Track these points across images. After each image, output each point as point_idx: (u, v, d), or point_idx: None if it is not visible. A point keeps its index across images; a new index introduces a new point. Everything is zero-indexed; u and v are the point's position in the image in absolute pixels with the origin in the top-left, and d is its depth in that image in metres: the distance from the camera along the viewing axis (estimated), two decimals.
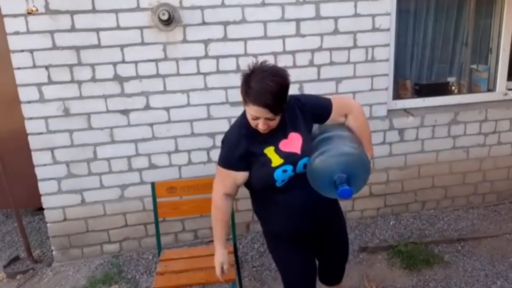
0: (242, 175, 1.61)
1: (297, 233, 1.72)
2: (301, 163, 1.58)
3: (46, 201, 2.77)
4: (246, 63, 2.74)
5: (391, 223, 3.17)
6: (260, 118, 1.50)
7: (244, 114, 1.63)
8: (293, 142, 1.59)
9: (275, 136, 1.59)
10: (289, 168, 1.57)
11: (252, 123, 1.54)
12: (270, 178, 1.56)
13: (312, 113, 1.65)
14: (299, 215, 1.66)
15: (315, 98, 1.73)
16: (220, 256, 1.70)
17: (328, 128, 1.69)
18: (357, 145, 1.59)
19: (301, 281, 1.77)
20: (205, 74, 2.75)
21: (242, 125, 1.63)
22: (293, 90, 2.91)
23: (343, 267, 1.99)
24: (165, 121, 2.78)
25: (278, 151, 1.58)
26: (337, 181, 1.47)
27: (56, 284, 2.69)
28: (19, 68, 2.54)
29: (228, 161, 1.62)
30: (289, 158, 1.57)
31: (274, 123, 1.54)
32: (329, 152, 1.52)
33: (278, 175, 1.56)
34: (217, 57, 2.73)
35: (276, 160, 1.56)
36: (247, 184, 1.67)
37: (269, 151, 1.58)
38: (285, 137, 1.60)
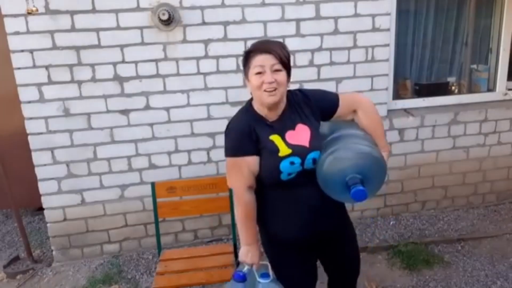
0: (255, 160, 1.49)
1: (301, 238, 1.58)
2: (309, 157, 1.48)
3: (46, 201, 2.77)
4: None
5: (391, 223, 3.17)
6: (266, 70, 1.43)
7: (246, 104, 1.58)
8: (300, 135, 1.51)
9: (282, 124, 1.52)
10: (297, 161, 1.46)
11: (258, 81, 1.44)
12: (276, 168, 1.46)
13: (318, 106, 1.58)
14: (305, 217, 1.54)
15: (321, 91, 1.66)
16: (253, 253, 1.56)
17: (339, 126, 1.61)
18: (371, 144, 1.50)
19: None
20: (205, 74, 2.75)
21: (247, 111, 1.56)
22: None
23: (355, 281, 1.81)
24: (165, 121, 2.78)
25: (284, 140, 1.49)
26: (350, 182, 1.38)
27: (56, 284, 2.69)
28: (19, 68, 2.54)
29: (238, 147, 1.49)
30: (297, 150, 1.47)
31: (281, 79, 1.45)
32: (341, 151, 1.43)
33: (285, 167, 1.46)
34: (217, 57, 2.73)
35: (284, 150, 1.47)
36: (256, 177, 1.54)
37: (276, 139, 1.49)
38: (293, 128, 1.52)
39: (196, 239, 3.05)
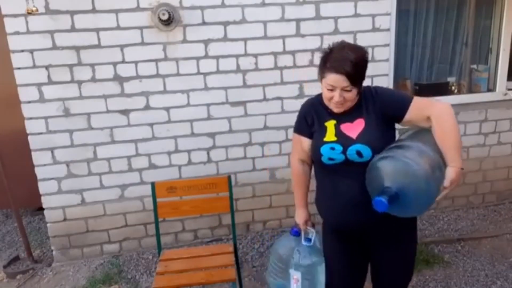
0: (306, 141, 1.66)
1: (339, 225, 1.65)
2: (353, 148, 1.51)
3: (46, 201, 2.77)
4: (246, 63, 2.78)
5: None
6: (336, 89, 1.48)
7: (319, 94, 1.65)
8: (354, 128, 1.56)
9: (343, 116, 1.57)
10: (338, 148, 1.53)
11: (328, 95, 1.52)
12: (317, 150, 1.57)
13: (383, 105, 1.56)
14: (342, 205, 1.59)
15: (392, 92, 1.66)
16: (299, 215, 1.79)
17: (412, 134, 1.56)
18: (425, 162, 1.39)
19: (332, 282, 1.72)
20: (205, 74, 2.75)
21: (316, 98, 1.67)
22: (293, 90, 2.93)
23: None
24: (165, 121, 2.78)
25: (337, 128, 1.57)
26: (383, 190, 1.38)
27: (56, 284, 2.69)
28: (19, 68, 2.54)
29: (298, 125, 1.70)
30: (342, 139, 1.54)
31: (350, 97, 1.50)
32: (391, 160, 1.41)
33: (325, 151, 1.55)
34: (217, 57, 2.73)
35: (330, 135, 1.56)
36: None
37: (330, 124, 1.58)
38: (351, 121, 1.57)
39: (196, 239, 3.05)
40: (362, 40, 2.87)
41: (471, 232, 3.01)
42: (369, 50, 2.89)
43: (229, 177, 2.29)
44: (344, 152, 1.53)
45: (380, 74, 2.96)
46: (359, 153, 1.51)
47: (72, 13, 2.51)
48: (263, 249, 2.91)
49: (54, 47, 2.55)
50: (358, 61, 1.47)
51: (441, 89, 3.37)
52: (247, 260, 2.82)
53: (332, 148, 1.54)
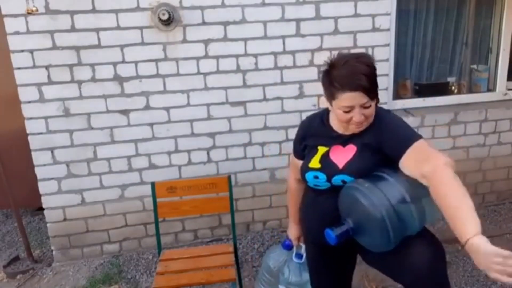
0: (298, 162, 1.63)
1: (316, 237, 1.54)
2: (337, 178, 1.41)
3: (46, 201, 2.77)
4: (246, 63, 2.77)
5: None
6: (355, 108, 1.31)
7: (324, 110, 1.55)
8: (344, 154, 1.42)
9: (342, 137, 1.45)
10: (322, 176, 1.44)
11: (344, 118, 1.35)
12: (303, 175, 1.53)
13: (382, 137, 1.36)
14: (322, 218, 1.50)
15: (398, 127, 1.38)
16: (292, 231, 1.84)
17: (397, 175, 1.33)
18: (390, 212, 1.25)
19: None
20: (205, 74, 2.75)
21: (321, 115, 1.55)
22: (293, 90, 2.93)
23: None
24: (165, 121, 2.78)
25: (325, 154, 1.45)
26: (338, 223, 1.36)
27: (56, 284, 2.69)
28: (19, 68, 2.54)
29: (293, 146, 1.69)
30: (327, 168, 1.43)
31: (370, 112, 1.35)
32: (360, 194, 1.30)
33: (309, 178, 1.49)
34: (217, 57, 2.73)
35: (314, 163, 1.46)
36: None
37: (321, 150, 1.49)
38: (344, 144, 1.43)
39: (196, 239, 3.05)
40: (362, 40, 2.87)
41: None
42: (369, 50, 2.90)
43: (229, 177, 2.29)
44: (328, 180, 1.45)
45: (380, 74, 2.89)
46: (344, 182, 1.41)
47: (72, 13, 2.51)
48: (263, 249, 2.91)
49: (54, 47, 2.54)
50: (369, 72, 1.32)
51: (441, 89, 3.37)
52: (247, 260, 2.82)
53: (316, 177, 1.46)
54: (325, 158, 1.46)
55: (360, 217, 1.32)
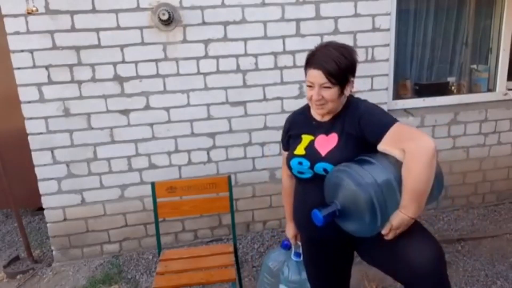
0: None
1: (309, 232, 1.63)
2: (319, 165, 1.47)
3: (46, 201, 2.77)
4: (246, 63, 2.78)
5: None
6: (315, 88, 1.45)
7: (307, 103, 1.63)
8: (327, 143, 1.50)
9: (325, 126, 1.53)
10: (305, 163, 1.51)
11: (308, 95, 1.50)
12: (288, 163, 1.58)
13: (361, 124, 1.43)
14: (307, 216, 1.48)
15: (375, 113, 1.47)
16: (289, 229, 1.83)
17: (382, 159, 1.38)
18: (378, 193, 1.29)
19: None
20: (205, 74, 2.75)
21: (304, 108, 1.66)
22: (293, 90, 2.93)
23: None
24: (165, 121, 2.78)
25: (311, 143, 1.54)
26: (326, 204, 1.37)
27: (56, 284, 2.69)
28: (19, 68, 2.54)
29: (282, 140, 1.73)
30: (311, 155, 1.51)
31: (329, 95, 1.44)
32: (346, 175, 1.33)
33: (294, 164, 1.55)
34: (217, 57, 2.73)
35: (299, 150, 1.55)
36: None
37: (305, 139, 1.57)
38: (327, 133, 1.52)
39: (196, 239, 3.05)
40: (362, 40, 2.87)
41: (471, 232, 3.01)
42: (369, 50, 2.90)
43: (229, 177, 2.29)
44: (311, 167, 1.50)
45: (380, 74, 2.96)
46: (325, 170, 1.46)
47: (72, 13, 2.51)
48: (263, 249, 2.91)
49: (54, 47, 2.55)
50: (339, 60, 1.41)
51: (441, 89, 3.37)
52: (247, 260, 2.83)
53: (300, 163, 1.53)
54: (310, 146, 1.54)
55: (347, 199, 1.34)
